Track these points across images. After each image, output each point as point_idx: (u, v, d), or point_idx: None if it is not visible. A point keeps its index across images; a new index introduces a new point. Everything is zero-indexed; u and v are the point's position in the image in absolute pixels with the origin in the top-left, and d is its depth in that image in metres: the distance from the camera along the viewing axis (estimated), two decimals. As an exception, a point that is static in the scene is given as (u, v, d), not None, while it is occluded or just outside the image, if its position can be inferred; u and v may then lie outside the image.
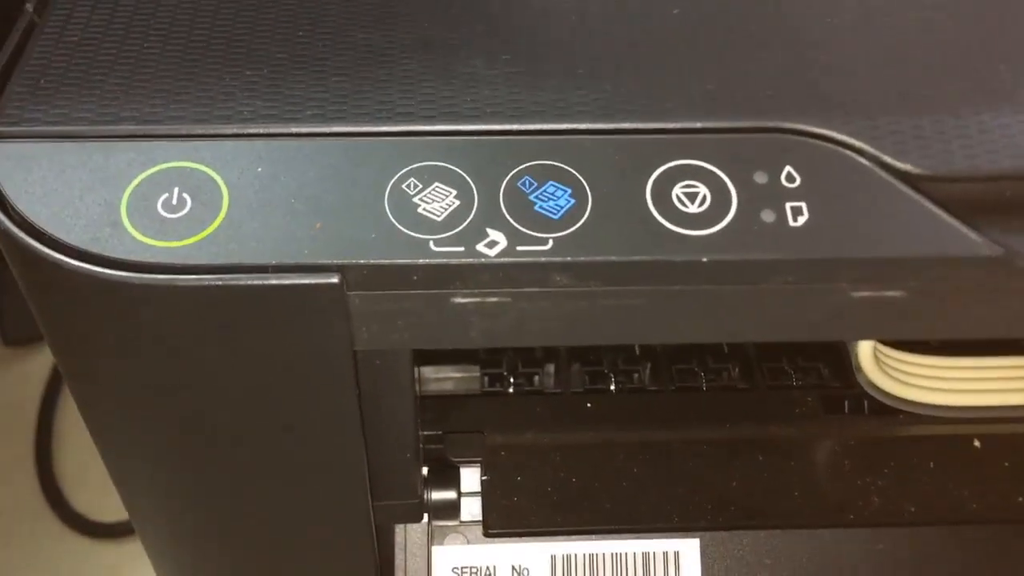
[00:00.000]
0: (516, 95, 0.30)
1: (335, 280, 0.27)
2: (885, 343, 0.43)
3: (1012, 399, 0.44)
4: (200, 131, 0.29)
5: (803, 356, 0.48)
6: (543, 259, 0.27)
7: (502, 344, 0.29)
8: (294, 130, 0.29)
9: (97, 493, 0.77)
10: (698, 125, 0.29)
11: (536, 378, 0.48)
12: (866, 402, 0.45)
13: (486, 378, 0.47)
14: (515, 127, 0.29)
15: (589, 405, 0.46)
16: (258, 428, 0.31)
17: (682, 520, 0.41)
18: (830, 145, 0.29)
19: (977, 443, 0.43)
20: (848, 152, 0.29)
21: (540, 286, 0.28)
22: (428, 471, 0.41)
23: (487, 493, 0.41)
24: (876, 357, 0.44)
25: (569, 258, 0.27)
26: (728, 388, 0.47)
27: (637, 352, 0.48)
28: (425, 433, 0.43)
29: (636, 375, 0.48)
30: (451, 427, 0.44)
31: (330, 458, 0.33)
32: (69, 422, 0.81)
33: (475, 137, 0.29)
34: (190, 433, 0.31)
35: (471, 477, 0.42)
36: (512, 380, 0.47)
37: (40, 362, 0.84)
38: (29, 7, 0.32)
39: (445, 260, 0.27)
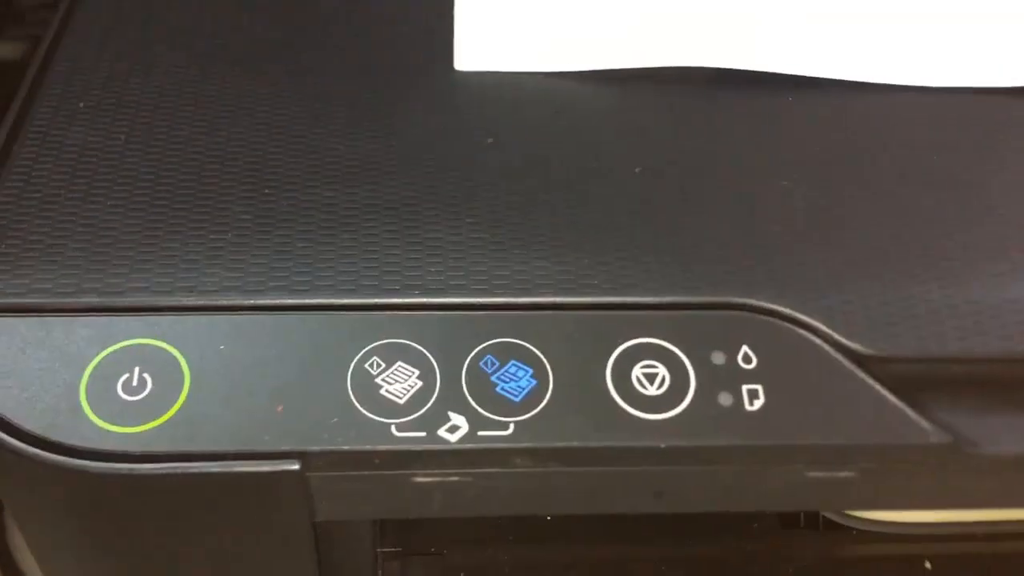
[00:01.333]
0: (480, 266, 0.30)
1: (295, 467, 0.27)
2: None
3: (960, 516, 0.45)
4: (163, 303, 0.29)
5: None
6: (504, 444, 0.27)
7: (463, 514, 0.30)
8: (258, 302, 0.29)
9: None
10: (658, 300, 0.30)
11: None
12: (820, 518, 0.46)
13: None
14: (479, 300, 0.30)
15: (548, 519, 0.46)
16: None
17: (641, 644, 0.42)
18: (784, 323, 0.30)
19: (928, 565, 0.44)
20: (801, 331, 0.29)
21: (501, 467, 0.28)
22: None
23: (446, 618, 0.41)
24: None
25: (529, 444, 0.27)
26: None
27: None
28: (384, 550, 0.43)
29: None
30: (410, 544, 0.44)
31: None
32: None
33: (439, 312, 0.29)
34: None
35: (431, 601, 0.42)
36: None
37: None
38: (-11, 162, 0.32)
39: (407, 446, 0.27)
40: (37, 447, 0.26)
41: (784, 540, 0.46)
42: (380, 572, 0.40)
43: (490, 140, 0.34)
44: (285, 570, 0.31)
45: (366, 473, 0.28)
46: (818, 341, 0.29)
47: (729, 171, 0.33)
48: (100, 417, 0.27)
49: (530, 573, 0.44)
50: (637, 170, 0.33)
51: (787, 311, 0.30)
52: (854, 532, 0.45)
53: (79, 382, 0.27)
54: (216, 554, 0.30)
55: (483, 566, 0.44)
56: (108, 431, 0.26)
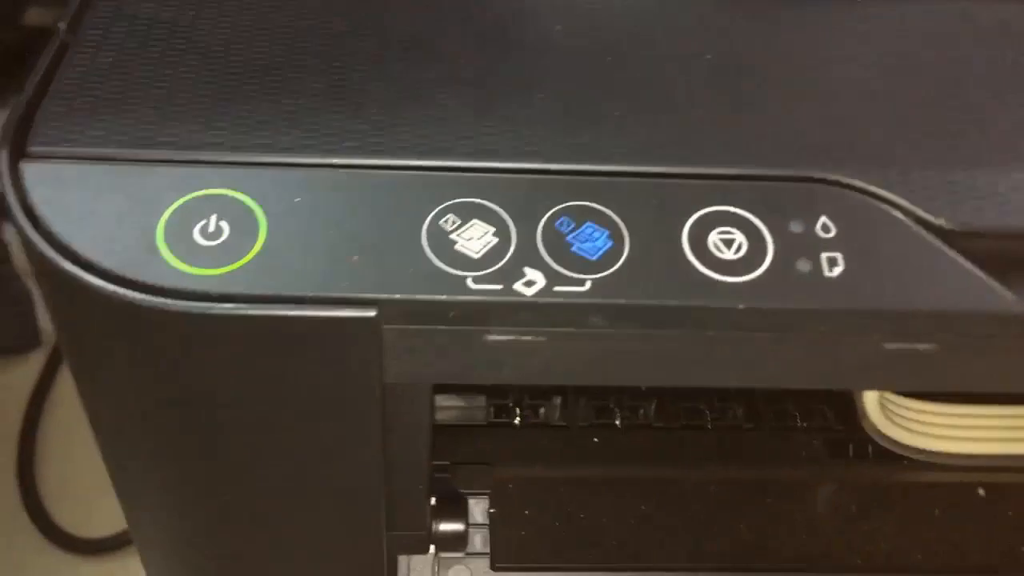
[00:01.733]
0: (553, 135, 0.30)
1: (372, 314, 0.26)
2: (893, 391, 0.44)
3: (1016, 448, 0.45)
4: (238, 159, 0.29)
5: (807, 399, 0.48)
6: (580, 300, 0.27)
7: (531, 382, 0.29)
8: (333, 161, 0.29)
9: (79, 508, 0.76)
10: (735, 172, 0.29)
11: (542, 411, 0.48)
12: (870, 447, 0.46)
13: (492, 409, 0.47)
14: (553, 167, 0.29)
15: (596, 440, 0.46)
16: (282, 455, 0.31)
17: (688, 560, 0.41)
18: (865, 197, 0.29)
19: (981, 491, 0.44)
20: (882, 205, 0.29)
21: (575, 327, 0.28)
22: (435, 502, 0.41)
23: (495, 526, 0.41)
24: (882, 405, 0.44)
25: (607, 300, 0.27)
26: (733, 428, 0.47)
27: (643, 388, 0.49)
28: (432, 463, 0.43)
29: (641, 411, 0.48)
30: (459, 458, 0.44)
31: (350, 487, 0.33)
32: (53, 436, 0.80)
33: (513, 175, 0.29)
34: (211, 459, 0.31)
35: (477, 509, 0.42)
36: (518, 412, 0.47)
37: (24, 374, 0.83)
38: (61, 26, 0.32)
39: (483, 298, 0.27)
40: (116, 284, 0.26)
41: (833, 468, 0.46)
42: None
43: (558, 27, 0.34)
44: (349, 437, 0.31)
45: (440, 328, 0.27)
46: (898, 215, 0.29)
47: (805, 58, 0.33)
48: (177, 258, 0.27)
49: (576, 489, 0.44)
50: (708, 57, 0.33)
51: (866, 186, 0.29)
52: (904, 461, 0.45)
53: (156, 226, 0.27)
54: (281, 419, 0.30)
55: (529, 479, 0.44)
56: (185, 272, 0.26)
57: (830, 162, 0.30)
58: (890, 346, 0.28)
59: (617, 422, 0.47)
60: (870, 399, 0.44)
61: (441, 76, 0.32)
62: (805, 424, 0.47)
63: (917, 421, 0.44)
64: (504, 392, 0.48)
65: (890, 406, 0.44)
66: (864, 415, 0.45)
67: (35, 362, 0.83)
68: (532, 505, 0.42)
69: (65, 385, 0.82)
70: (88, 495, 0.76)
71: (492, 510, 0.41)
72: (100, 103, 0.29)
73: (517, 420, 0.47)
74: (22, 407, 0.81)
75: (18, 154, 0.28)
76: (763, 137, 0.30)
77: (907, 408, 0.44)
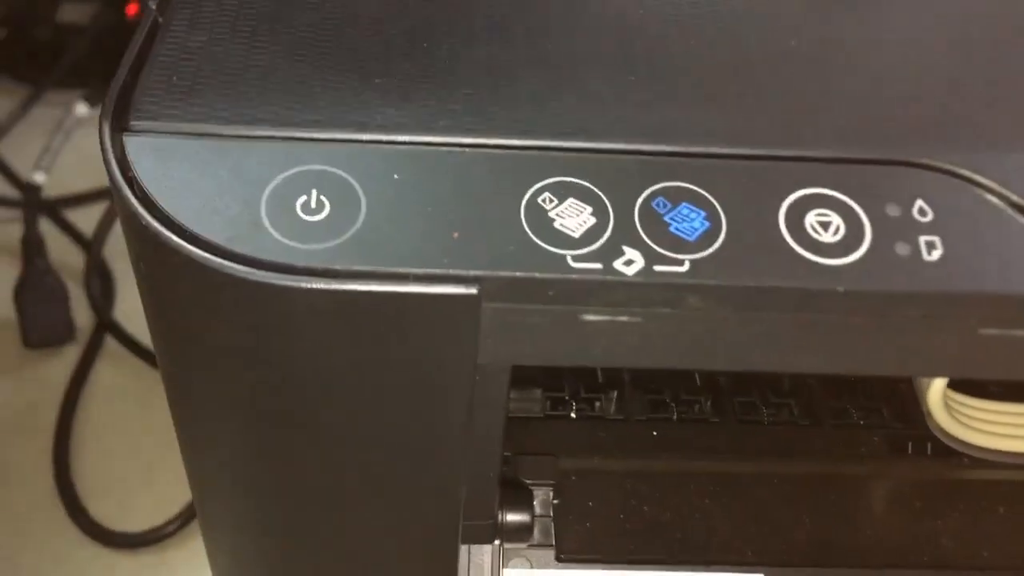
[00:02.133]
0: (645, 115, 0.30)
1: (474, 291, 0.26)
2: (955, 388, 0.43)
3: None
4: (337, 136, 0.29)
5: (865, 396, 0.48)
6: (680, 280, 0.27)
7: (619, 364, 0.29)
8: (428, 140, 0.29)
9: (116, 502, 0.76)
10: (828, 155, 0.29)
11: (598, 404, 0.48)
12: (929, 444, 0.46)
13: (548, 402, 0.47)
14: (647, 147, 0.29)
15: (655, 433, 0.46)
16: (369, 436, 0.31)
17: (752, 554, 0.41)
18: (960, 182, 0.29)
19: (1046, 490, 0.44)
20: (977, 190, 0.29)
21: (673, 307, 0.27)
22: (501, 492, 0.41)
23: (559, 517, 0.41)
24: (945, 402, 0.44)
25: (706, 281, 0.27)
26: (791, 423, 0.47)
27: (698, 382, 0.49)
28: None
29: (697, 406, 0.48)
30: (520, 449, 0.44)
31: (432, 471, 0.33)
32: (88, 429, 0.80)
33: (608, 155, 0.29)
34: (295, 436, 0.31)
35: (541, 500, 0.42)
36: (575, 404, 0.47)
37: (60, 366, 0.83)
38: (152, 5, 0.32)
39: (584, 276, 0.27)
40: (222, 257, 0.26)
41: (895, 464, 0.45)
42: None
43: (641, 10, 0.34)
44: (437, 417, 0.30)
45: (538, 307, 0.27)
46: (995, 200, 0.29)
47: (888, 38, 0.33)
48: (281, 233, 0.27)
49: (637, 482, 0.43)
50: (793, 43, 0.33)
51: (962, 171, 0.29)
52: (965, 459, 0.45)
53: (259, 200, 0.27)
54: (371, 397, 0.30)
55: (592, 471, 0.44)
56: (290, 246, 0.26)
57: (922, 145, 0.30)
58: (986, 332, 0.28)
59: (673, 416, 0.47)
60: (934, 398, 0.44)
61: (529, 56, 0.32)
62: (862, 422, 0.47)
63: (981, 420, 0.44)
64: (560, 385, 0.48)
65: (953, 404, 0.44)
66: (928, 414, 0.45)
67: (70, 356, 0.83)
68: (595, 497, 0.42)
69: (100, 379, 0.82)
70: (124, 490, 0.76)
71: (556, 501, 0.41)
72: (197, 79, 0.30)
73: (573, 413, 0.47)
74: (58, 402, 0.81)
75: (120, 128, 0.28)
76: (854, 119, 0.30)
77: (970, 407, 0.44)
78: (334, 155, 0.28)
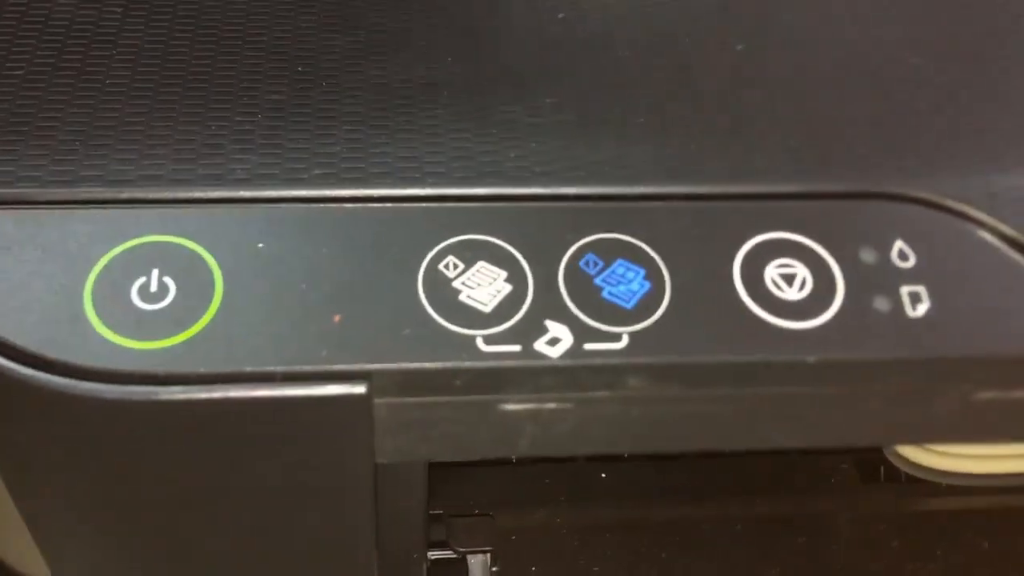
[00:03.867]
0: (569, 150, 0.25)
1: (362, 390, 0.21)
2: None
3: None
4: (182, 195, 0.23)
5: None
6: (617, 360, 0.22)
7: (552, 454, 0.25)
8: (301, 194, 0.23)
9: (26, 542, 0.70)
10: (788, 190, 0.25)
11: (539, 442, 0.43)
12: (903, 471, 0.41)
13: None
14: (572, 191, 0.24)
15: (604, 476, 0.41)
16: (258, 550, 0.26)
17: (719, 614, 0.37)
18: (942, 214, 0.24)
19: (1032, 518, 0.40)
20: (963, 222, 0.24)
21: (610, 390, 0.22)
22: (431, 565, 0.36)
23: (499, 588, 0.36)
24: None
25: (648, 359, 0.22)
26: (752, 453, 0.43)
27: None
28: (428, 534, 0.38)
29: (650, 437, 0.43)
30: (451, 503, 0.38)
31: (338, 568, 0.27)
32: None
33: (524, 203, 0.24)
34: (175, 561, 0.26)
35: (479, 566, 0.37)
36: (514, 445, 0.42)
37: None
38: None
39: (497, 363, 0.22)
40: (32, 367, 0.20)
41: (864, 495, 0.41)
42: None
43: (561, 15, 0.29)
44: (334, 527, 0.25)
45: (444, 399, 0.22)
46: (984, 234, 0.24)
47: (847, 48, 0.28)
48: (111, 329, 0.21)
49: (587, 536, 0.39)
50: (739, 47, 0.28)
51: (944, 200, 0.24)
52: (942, 486, 0.41)
53: (82, 287, 0.21)
54: (252, 511, 0.24)
55: (535, 528, 0.39)
56: (122, 347, 0.21)
57: (896, 172, 0.25)
58: (982, 396, 0.24)
59: (624, 452, 0.42)
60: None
61: (427, 78, 0.26)
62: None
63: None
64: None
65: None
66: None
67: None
68: (540, 560, 0.37)
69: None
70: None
71: (495, 569, 0.36)
72: (8, 130, 0.24)
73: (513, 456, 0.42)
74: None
75: None
76: (815, 146, 0.25)
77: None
78: (179, 221, 0.22)
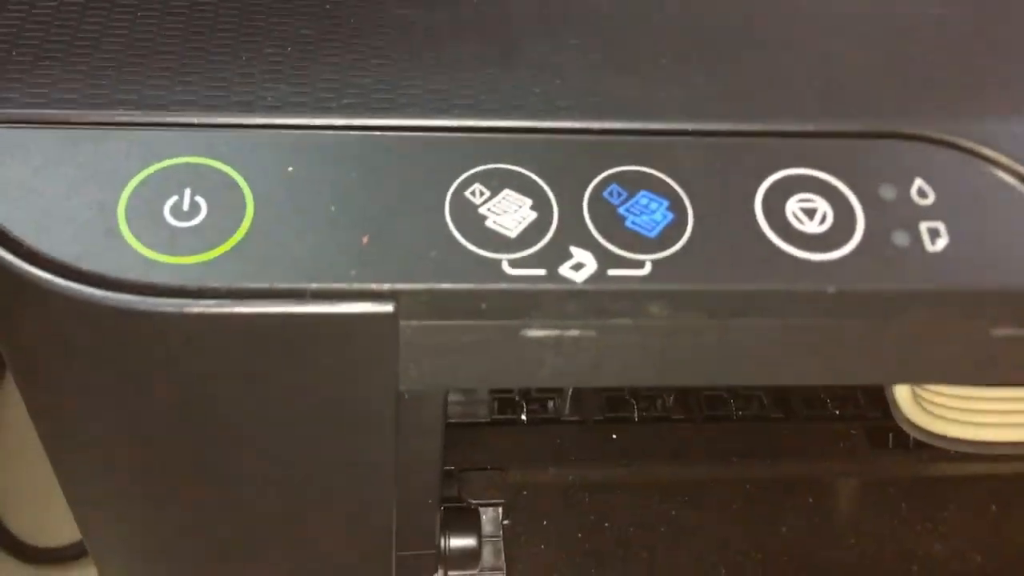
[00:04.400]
0: (593, 87, 0.25)
1: (390, 308, 0.22)
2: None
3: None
4: (215, 120, 0.23)
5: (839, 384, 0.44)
6: (640, 286, 0.22)
7: (573, 384, 0.25)
8: (330, 122, 0.24)
9: (33, 515, 0.71)
10: (810, 128, 0.25)
11: (550, 404, 0.43)
12: (912, 436, 0.42)
13: (496, 403, 0.43)
14: (596, 125, 0.24)
15: (614, 436, 0.41)
16: (278, 472, 0.26)
17: (727, 571, 0.37)
18: (963, 155, 0.25)
19: (1038, 483, 0.40)
20: (983, 163, 0.25)
21: (632, 318, 0.23)
22: (443, 514, 0.36)
23: (511, 539, 0.37)
24: (913, 391, 0.40)
25: (671, 286, 0.22)
26: (762, 418, 0.43)
27: (659, 376, 0.44)
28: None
29: (659, 402, 0.43)
30: (464, 461, 0.39)
31: (356, 506, 0.28)
32: (3, 439, 0.74)
33: (549, 135, 0.24)
34: (195, 480, 0.26)
35: (490, 520, 0.38)
36: (525, 406, 0.43)
37: (-29, 370, 0.77)
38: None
39: (523, 285, 0.22)
40: (68, 278, 0.21)
41: (876, 462, 0.42)
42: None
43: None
44: (355, 452, 0.26)
45: (469, 324, 0.22)
46: (1002, 174, 0.24)
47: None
48: (144, 244, 0.21)
49: (596, 493, 0.39)
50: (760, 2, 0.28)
51: (964, 142, 0.25)
52: (951, 452, 0.41)
53: (116, 203, 0.22)
54: (276, 434, 0.25)
55: (546, 484, 0.39)
56: (155, 261, 0.21)
57: (916, 113, 0.25)
58: (999, 332, 0.24)
59: (634, 415, 0.43)
60: (901, 390, 0.40)
61: (453, 16, 0.27)
62: (838, 412, 0.43)
63: (953, 408, 0.40)
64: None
65: (923, 393, 0.40)
66: (894, 404, 0.41)
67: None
68: (550, 514, 0.38)
69: (11, 384, 0.76)
70: (42, 501, 0.70)
71: (506, 521, 0.37)
72: (43, 55, 0.24)
73: (524, 416, 0.42)
74: (-31, 408, 0.75)
75: (-61, 116, 0.23)
76: (837, 86, 0.26)
77: (942, 395, 0.40)
78: (211, 144, 0.23)
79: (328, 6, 0.27)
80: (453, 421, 0.42)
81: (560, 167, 0.24)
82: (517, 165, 0.24)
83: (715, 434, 0.42)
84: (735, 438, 0.42)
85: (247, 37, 0.25)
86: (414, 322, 0.22)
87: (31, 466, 0.71)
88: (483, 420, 0.42)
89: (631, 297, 0.22)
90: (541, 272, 0.22)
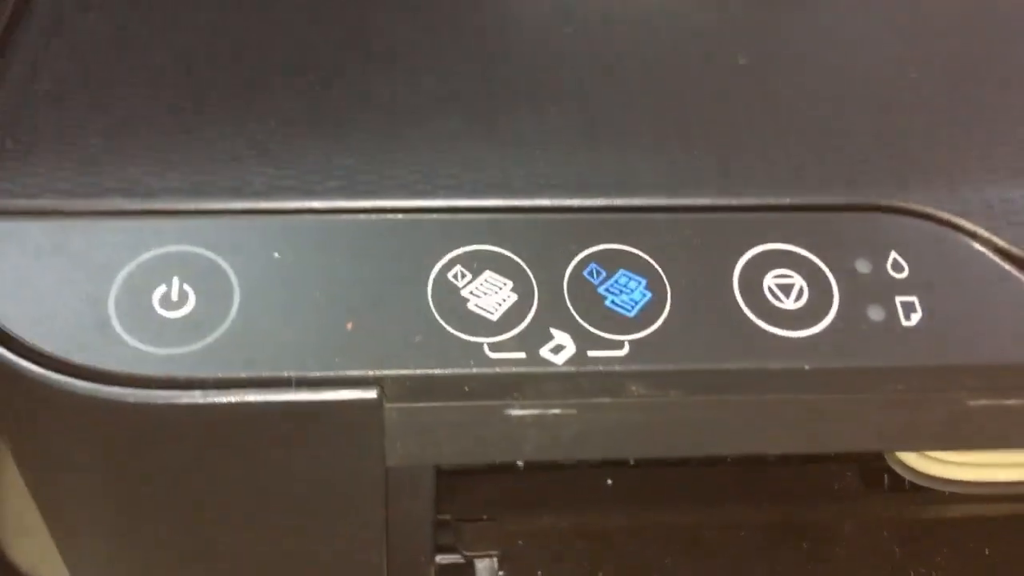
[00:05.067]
0: (573, 164, 0.26)
1: (373, 395, 0.22)
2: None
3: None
4: (202, 206, 0.24)
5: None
6: (619, 367, 0.23)
7: (556, 458, 0.25)
8: (315, 206, 0.24)
9: (35, 548, 0.71)
10: (786, 201, 0.25)
11: (546, 448, 0.44)
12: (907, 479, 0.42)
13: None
14: (575, 203, 0.25)
15: (610, 481, 0.42)
16: (270, 552, 0.26)
17: (723, 618, 0.37)
18: (937, 226, 0.25)
19: (1034, 526, 0.40)
20: (958, 235, 0.25)
21: (612, 396, 0.23)
22: (438, 568, 0.37)
23: (506, 592, 0.37)
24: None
25: (649, 367, 0.23)
26: (756, 460, 0.43)
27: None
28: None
29: (655, 444, 0.44)
30: (458, 507, 0.39)
31: (348, 571, 0.28)
32: (9, 474, 0.75)
33: (529, 215, 0.25)
34: (187, 553, 0.27)
35: (486, 569, 0.38)
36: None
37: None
38: (-13, 46, 0.27)
39: (504, 369, 0.22)
40: (60, 372, 0.21)
41: (871, 504, 0.42)
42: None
43: (568, 29, 0.29)
44: (345, 528, 0.26)
45: (453, 404, 0.23)
46: (978, 246, 0.25)
47: (846, 63, 0.29)
48: (134, 336, 0.22)
49: (592, 542, 0.39)
50: (742, 61, 0.29)
51: (938, 212, 0.25)
52: (945, 494, 0.41)
53: (107, 295, 0.22)
54: (267, 505, 0.25)
55: (541, 532, 0.39)
56: (145, 352, 0.22)
57: (891, 185, 0.26)
58: (976, 403, 0.24)
59: (629, 459, 0.43)
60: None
61: (436, 92, 0.27)
62: (833, 452, 0.43)
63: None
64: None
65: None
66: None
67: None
68: (546, 565, 0.38)
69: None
70: (44, 534, 0.71)
71: (501, 573, 0.37)
72: (32, 140, 0.25)
73: (519, 461, 0.43)
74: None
75: (-70, 210, 0.23)
76: (811, 158, 0.26)
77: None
78: (199, 231, 0.23)
79: (313, 80, 0.27)
80: (447, 468, 0.42)
81: (540, 246, 0.24)
82: (498, 246, 0.24)
83: (710, 476, 0.42)
84: (730, 480, 0.42)
85: (236, 118, 0.26)
86: (399, 404, 0.23)
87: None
88: (477, 466, 0.43)
89: (610, 377, 0.23)
90: (522, 355, 0.23)
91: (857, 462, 0.43)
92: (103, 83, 0.26)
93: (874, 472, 0.43)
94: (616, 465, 0.43)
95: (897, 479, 0.42)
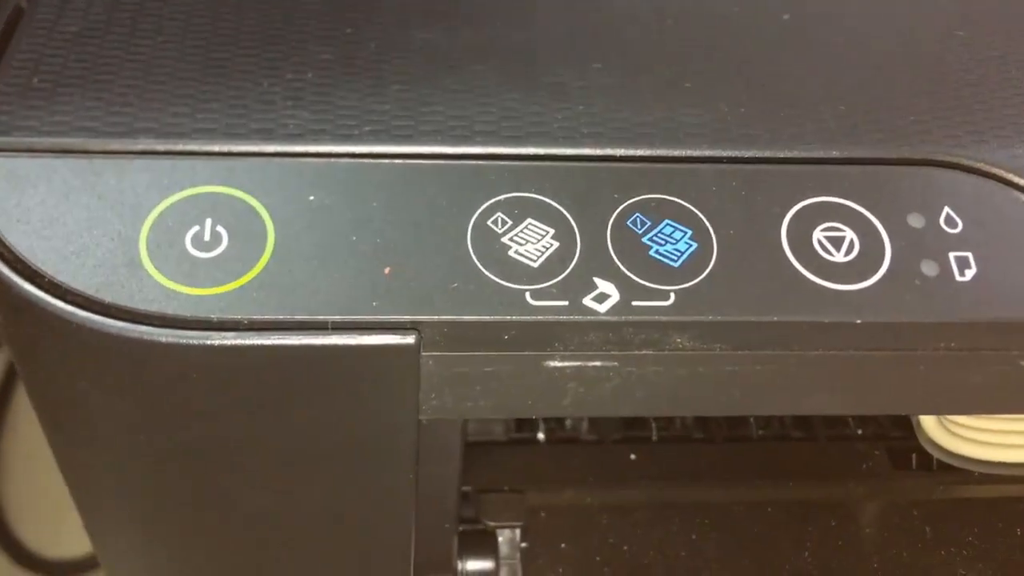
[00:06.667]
0: (616, 113, 0.25)
1: (411, 340, 0.21)
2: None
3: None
4: (236, 148, 0.23)
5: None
6: (664, 317, 0.22)
7: (595, 414, 0.25)
8: (352, 150, 0.24)
9: (46, 527, 0.71)
10: (836, 155, 0.25)
11: (568, 423, 0.43)
12: (935, 457, 0.41)
13: (514, 422, 0.42)
14: (619, 152, 0.24)
15: (633, 456, 0.41)
16: (297, 501, 0.26)
17: (749, 596, 0.37)
18: (990, 182, 0.24)
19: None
20: (1011, 190, 0.24)
21: (655, 348, 0.23)
22: (460, 536, 0.36)
23: (529, 562, 0.36)
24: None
25: (696, 317, 0.22)
26: (782, 438, 0.43)
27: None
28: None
29: (679, 421, 0.43)
30: (482, 481, 0.39)
31: (374, 531, 0.28)
32: (15, 451, 0.74)
33: (572, 163, 0.24)
34: (212, 504, 0.26)
35: (507, 542, 0.37)
36: (543, 425, 0.42)
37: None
38: (15, -11, 0.26)
39: (545, 316, 0.22)
40: (90, 311, 0.21)
41: (900, 483, 0.41)
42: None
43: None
44: (374, 480, 0.25)
45: (491, 354, 0.22)
46: (1033, 203, 0.24)
47: (898, 18, 0.28)
48: (166, 275, 0.21)
49: (615, 516, 0.39)
50: (786, 16, 0.28)
51: (992, 168, 0.24)
52: (976, 473, 0.40)
53: (138, 234, 0.22)
54: (295, 453, 0.25)
55: (565, 506, 0.39)
56: (176, 292, 0.21)
57: (946, 140, 0.25)
58: (1029, 362, 0.24)
59: (652, 435, 0.42)
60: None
61: (475, 43, 0.26)
62: (860, 432, 0.43)
63: (976, 429, 0.40)
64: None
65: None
66: (918, 425, 0.40)
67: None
68: (568, 537, 0.37)
69: (23, 396, 0.76)
70: (55, 513, 0.70)
71: (524, 544, 0.37)
72: (64, 81, 0.24)
73: (541, 435, 0.42)
74: (-17, 420, 0.75)
75: (-40, 146, 0.22)
76: (865, 112, 0.26)
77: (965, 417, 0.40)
78: (233, 173, 0.23)
79: (349, 30, 0.26)
80: (470, 440, 0.42)
81: (583, 195, 0.23)
82: (539, 193, 0.23)
83: (735, 454, 0.41)
84: (755, 459, 0.41)
85: (267, 63, 0.25)
86: (435, 353, 0.22)
87: (43, 478, 0.71)
88: (501, 439, 0.42)
89: (656, 328, 0.22)
90: (564, 303, 0.22)
91: (885, 442, 0.42)
92: (133, 26, 0.26)
93: (902, 452, 0.42)
94: (639, 441, 0.42)
95: (925, 459, 0.41)
